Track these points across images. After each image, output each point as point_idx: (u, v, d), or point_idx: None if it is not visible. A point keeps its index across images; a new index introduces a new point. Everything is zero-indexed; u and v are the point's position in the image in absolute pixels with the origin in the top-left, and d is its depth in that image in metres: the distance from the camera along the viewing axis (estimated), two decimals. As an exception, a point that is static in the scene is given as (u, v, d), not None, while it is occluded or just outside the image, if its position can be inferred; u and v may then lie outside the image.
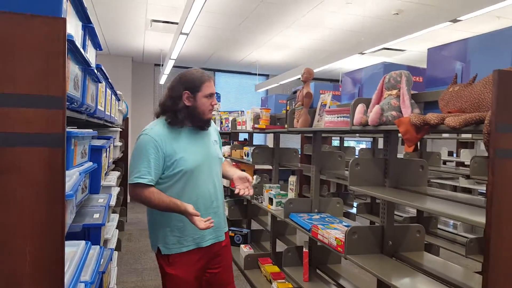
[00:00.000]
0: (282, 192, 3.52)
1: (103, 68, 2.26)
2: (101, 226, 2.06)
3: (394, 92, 1.96)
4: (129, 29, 6.62)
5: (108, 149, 2.78)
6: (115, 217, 3.78)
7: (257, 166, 4.62)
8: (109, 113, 2.92)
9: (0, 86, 0.94)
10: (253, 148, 3.99)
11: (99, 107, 2.26)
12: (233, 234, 4.77)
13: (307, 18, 5.69)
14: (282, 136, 4.15)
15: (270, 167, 4.09)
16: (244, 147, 4.37)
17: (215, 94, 2.18)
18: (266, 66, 9.24)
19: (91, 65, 1.60)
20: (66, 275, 1.19)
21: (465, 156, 5.22)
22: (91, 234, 2.06)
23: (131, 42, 7.53)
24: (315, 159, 3.16)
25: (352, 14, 5.49)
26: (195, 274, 2.11)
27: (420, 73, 2.22)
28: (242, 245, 4.58)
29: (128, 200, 7.46)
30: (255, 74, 9.81)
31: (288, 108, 3.29)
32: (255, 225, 4.96)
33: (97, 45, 1.96)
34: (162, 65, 7.85)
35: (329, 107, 2.71)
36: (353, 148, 6.52)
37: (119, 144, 4.76)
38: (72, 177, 1.38)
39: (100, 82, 2.15)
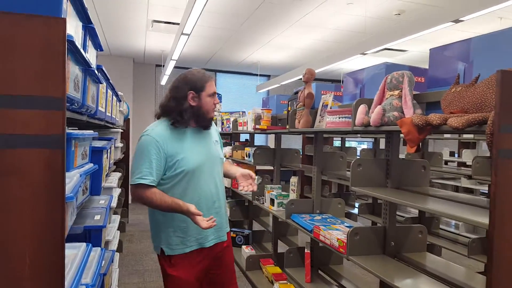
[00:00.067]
0: (283, 193, 3.51)
1: (104, 68, 2.25)
2: (102, 228, 2.06)
3: (396, 92, 1.95)
4: (130, 29, 6.62)
5: (109, 150, 2.77)
6: (116, 219, 3.78)
7: (258, 167, 4.61)
8: (110, 114, 2.91)
9: (-1, 87, 0.93)
10: (254, 148, 3.98)
11: (100, 108, 2.25)
12: (234, 235, 4.76)
13: (309, 18, 5.69)
14: (283, 136, 4.15)
15: (271, 167, 4.08)
16: (245, 148, 4.36)
17: (217, 94, 2.20)
18: (267, 66, 9.24)
19: (92, 66, 1.59)
20: (67, 277, 1.18)
21: (467, 156, 5.21)
22: (92, 236, 2.05)
23: (132, 43, 7.53)
24: (317, 160, 3.15)
25: (353, 15, 5.48)
26: (197, 275, 2.11)
27: (422, 73, 2.21)
28: (243, 246, 4.57)
29: (130, 201, 7.45)
30: (256, 75, 9.80)
31: (289, 109, 3.28)
32: (256, 226, 4.95)
33: (97, 46, 1.96)
34: (163, 65, 7.85)
35: (330, 108, 2.71)
36: (355, 148, 6.52)
37: (120, 145, 4.75)
38: (73, 178, 1.37)
39: (101, 83, 2.14)
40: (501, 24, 5.45)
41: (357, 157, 6.16)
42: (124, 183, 6.30)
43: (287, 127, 3.21)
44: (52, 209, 0.99)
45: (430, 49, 1.96)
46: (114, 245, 3.32)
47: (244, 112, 4.77)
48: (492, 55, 1.63)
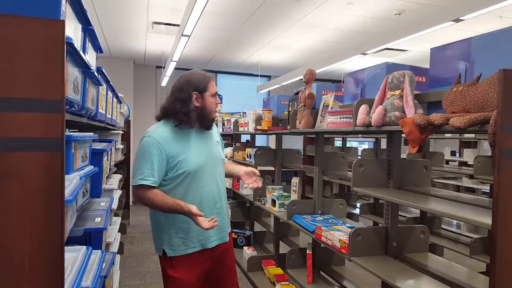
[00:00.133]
0: (285, 193, 3.50)
1: (104, 70, 2.24)
2: (102, 230, 2.05)
3: (397, 92, 1.94)
4: (131, 31, 6.62)
5: (109, 152, 2.77)
6: (117, 220, 3.77)
7: (259, 168, 4.59)
8: (110, 116, 2.91)
9: (-2, 90, 0.93)
10: (255, 149, 3.98)
11: (100, 110, 2.25)
12: (236, 236, 4.75)
13: (309, 19, 5.68)
14: (284, 137, 4.14)
15: (272, 168, 4.07)
16: (246, 149, 4.35)
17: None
18: (268, 67, 9.23)
19: (91, 68, 1.58)
20: (67, 281, 1.18)
21: (468, 155, 5.20)
22: (93, 238, 2.05)
23: (133, 45, 7.53)
24: (318, 160, 3.14)
25: (353, 15, 5.47)
26: (198, 276, 2.11)
27: (423, 73, 2.20)
28: (245, 247, 4.56)
29: (131, 203, 7.45)
30: (257, 76, 9.80)
31: (290, 109, 3.27)
32: (258, 227, 4.94)
33: (97, 48, 1.95)
34: (164, 67, 7.85)
35: (331, 108, 2.70)
36: (356, 148, 6.52)
37: (121, 147, 4.75)
38: (72, 181, 1.36)
39: (101, 85, 2.13)
40: (501, 23, 5.44)
41: (359, 157, 6.15)
42: (125, 184, 6.29)
43: (288, 127, 3.20)
44: (51, 212, 0.98)
45: (431, 49, 1.95)
46: (115, 247, 3.32)
47: (245, 113, 4.76)
48: (493, 54, 1.62)
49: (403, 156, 3.75)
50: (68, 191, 1.21)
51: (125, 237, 5.88)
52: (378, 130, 1.97)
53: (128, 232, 6.26)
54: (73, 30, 1.37)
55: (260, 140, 9.69)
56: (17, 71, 0.93)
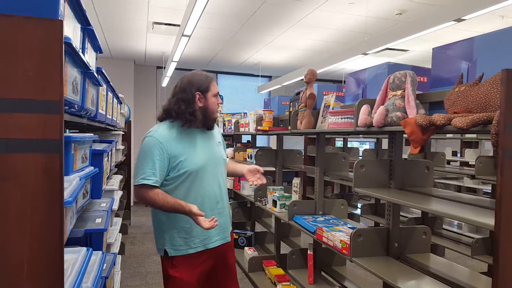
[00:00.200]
0: (286, 194, 3.49)
1: (103, 71, 2.24)
2: (103, 231, 2.05)
3: (399, 92, 1.93)
4: (131, 31, 6.61)
5: (110, 153, 2.76)
6: (118, 221, 3.77)
7: (260, 168, 4.59)
8: (110, 117, 2.90)
9: (-5, 91, 0.92)
10: (256, 150, 3.97)
11: (100, 110, 2.24)
12: (237, 237, 4.74)
13: (310, 19, 5.67)
14: (285, 137, 4.12)
15: (273, 169, 4.06)
16: (247, 149, 4.34)
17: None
18: (268, 67, 9.22)
19: (91, 68, 1.57)
20: (67, 282, 1.17)
21: (470, 156, 5.18)
22: (93, 239, 2.05)
23: (133, 45, 7.53)
24: (319, 161, 3.13)
25: (354, 15, 5.46)
26: (198, 276, 2.12)
27: (425, 73, 2.19)
28: (246, 248, 4.55)
29: (132, 204, 7.45)
30: (258, 76, 9.79)
31: (291, 110, 3.26)
32: (259, 227, 4.94)
33: (97, 48, 1.94)
34: (164, 67, 7.84)
35: (332, 108, 2.69)
36: (357, 149, 6.51)
37: (122, 147, 4.74)
38: (72, 182, 1.35)
39: (101, 86, 2.13)
40: (502, 23, 5.42)
41: (360, 157, 6.14)
42: (126, 185, 6.29)
43: (289, 128, 3.19)
44: (50, 213, 0.97)
45: (433, 49, 1.94)
46: (116, 248, 3.31)
47: (246, 113, 4.75)
48: (496, 54, 1.60)
49: (405, 156, 3.73)
50: (67, 192, 1.20)
51: (126, 238, 5.88)
52: (379, 131, 1.96)
53: (129, 233, 6.26)
54: (71, 30, 1.36)
55: (261, 141, 9.68)
56: (15, 71, 0.92)
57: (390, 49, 6.64)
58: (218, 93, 2.20)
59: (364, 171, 2.24)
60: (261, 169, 2.34)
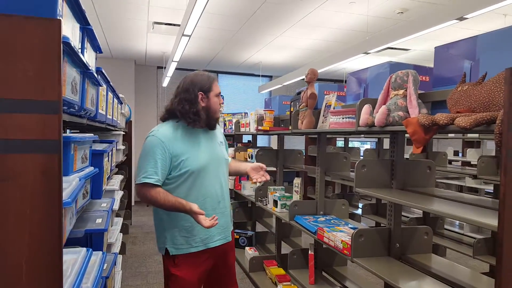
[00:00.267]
0: (286, 194, 3.48)
1: (103, 71, 2.23)
2: (103, 231, 2.04)
3: (401, 92, 1.92)
4: (131, 31, 6.60)
5: (110, 153, 2.75)
6: (119, 221, 3.76)
7: (261, 168, 4.58)
8: (111, 117, 2.89)
9: (-7, 91, 0.91)
10: (257, 150, 3.96)
11: (100, 111, 2.23)
12: (238, 237, 4.74)
13: (310, 18, 5.66)
14: (286, 137, 4.12)
15: (274, 169, 4.05)
16: (248, 149, 4.34)
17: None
18: (269, 67, 9.21)
19: (90, 68, 1.56)
20: (66, 282, 1.16)
21: (472, 155, 5.17)
22: (94, 240, 2.04)
23: (134, 45, 7.52)
24: (320, 161, 3.12)
25: (356, 14, 5.45)
26: (199, 275, 2.13)
27: (427, 72, 2.18)
28: (247, 248, 4.55)
29: (133, 203, 7.44)
30: (259, 76, 9.77)
31: (292, 110, 3.25)
32: (259, 227, 4.93)
33: (96, 48, 1.93)
34: (165, 67, 7.83)
35: (333, 108, 2.68)
36: (358, 148, 6.49)
37: (122, 147, 4.73)
38: (72, 183, 1.34)
39: (101, 86, 2.12)
40: (505, 21, 5.40)
41: (361, 157, 6.13)
42: (126, 185, 6.28)
43: (290, 128, 3.19)
44: (48, 214, 0.96)
45: (435, 47, 1.93)
46: (116, 248, 3.31)
47: (247, 113, 4.74)
48: (499, 52, 1.59)
49: (406, 156, 3.72)
50: (66, 193, 1.19)
51: (127, 237, 5.87)
52: (381, 130, 1.95)
53: (130, 233, 6.25)
54: (70, 29, 1.35)
55: (261, 141, 9.67)
56: (13, 71, 0.91)
57: (391, 48, 6.63)
58: (220, 93, 2.22)
59: (365, 171, 2.23)
60: (264, 166, 2.37)
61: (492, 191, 4.51)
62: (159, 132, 2.06)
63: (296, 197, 3.39)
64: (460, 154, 6.36)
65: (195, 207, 1.94)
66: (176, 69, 7.27)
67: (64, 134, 1.39)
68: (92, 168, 1.95)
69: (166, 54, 7.98)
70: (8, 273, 0.95)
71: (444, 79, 1.85)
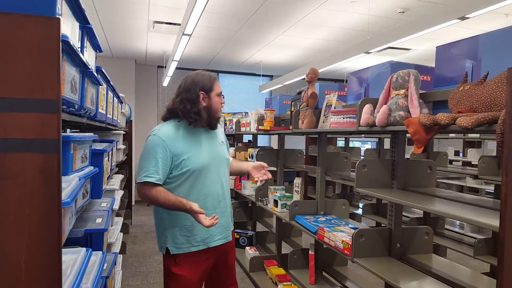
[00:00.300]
0: (287, 194, 3.48)
1: (103, 70, 2.22)
2: (103, 231, 2.03)
3: (402, 91, 1.91)
4: (132, 31, 6.60)
5: (110, 153, 2.74)
6: (119, 221, 3.75)
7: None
8: (111, 116, 2.88)
9: (-9, 90, 0.90)
10: (257, 149, 3.95)
11: (100, 110, 2.22)
12: (238, 236, 4.73)
13: (311, 17, 5.65)
14: (286, 137, 4.11)
15: (274, 168, 4.04)
16: (248, 149, 4.33)
17: None
18: (270, 66, 9.20)
19: (90, 67, 1.55)
20: (66, 283, 1.15)
21: (472, 155, 5.16)
22: (94, 239, 2.03)
23: (134, 44, 7.51)
24: (321, 161, 3.11)
25: (356, 13, 5.44)
26: (201, 275, 2.14)
27: (428, 72, 2.18)
28: (247, 247, 4.55)
29: (133, 203, 7.43)
30: (259, 75, 9.77)
31: (292, 109, 3.25)
32: (260, 227, 4.92)
33: (96, 47, 1.93)
34: (165, 67, 7.83)
35: (334, 108, 2.67)
36: (359, 148, 6.48)
37: (123, 147, 4.72)
38: (71, 183, 1.34)
39: (101, 85, 2.11)
40: (507, 21, 5.39)
41: (361, 157, 6.12)
42: (127, 184, 6.27)
43: (291, 127, 3.18)
44: (47, 214, 0.96)
45: (436, 47, 1.92)
46: (117, 247, 3.30)
47: (247, 112, 4.74)
48: (501, 52, 1.58)
49: (407, 156, 3.71)
50: (66, 193, 1.18)
51: (128, 237, 5.86)
52: (382, 130, 1.94)
53: (131, 232, 6.25)
54: (70, 28, 1.34)
55: (262, 140, 9.66)
56: (11, 70, 0.90)
57: (393, 48, 6.62)
58: (221, 92, 2.22)
59: (366, 171, 2.22)
60: (266, 165, 2.38)
61: (493, 191, 4.50)
62: (161, 132, 2.07)
63: (296, 197, 3.39)
64: (461, 154, 6.35)
65: (195, 206, 1.94)
66: (177, 68, 7.26)
67: (63, 134, 1.39)
68: (92, 167, 1.95)
69: (167, 54, 7.97)
70: (7, 272, 0.94)
71: (446, 78, 1.84)
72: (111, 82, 2.73)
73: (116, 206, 3.19)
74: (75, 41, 1.45)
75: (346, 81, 2.87)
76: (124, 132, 5.14)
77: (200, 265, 2.12)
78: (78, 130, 2.95)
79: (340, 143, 7.01)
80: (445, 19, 3.73)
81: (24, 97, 0.91)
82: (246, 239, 4.77)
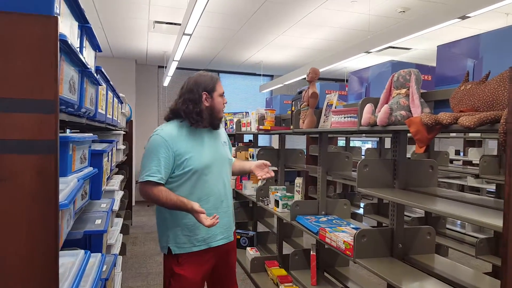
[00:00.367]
0: (288, 194, 3.46)
1: (103, 70, 2.21)
2: (103, 232, 2.02)
3: (403, 91, 1.90)
4: (132, 31, 6.59)
5: (110, 153, 2.73)
6: (119, 221, 3.74)
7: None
8: (111, 116, 2.87)
9: (-12, 90, 0.89)
10: (258, 149, 3.94)
11: (99, 110, 2.21)
12: (239, 237, 4.72)
13: (312, 17, 5.64)
14: (287, 136, 4.10)
15: (275, 168, 4.03)
16: (249, 149, 4.32)
17: None
18: (270, 66, 9.19)
19: (89, 67, 1.54)
20: (64, 286, 1.14)
21: (473, 155, 5.15)
22: (93, 241, 2.02)
23: (135, 44, 7.51)
24: (322, 160, 3.10)
25: (357, 13, 5.43)
26: (203, 274, 2.15)
27: (429, 71, 2.16)
28: (248, 248, 4.53)
29: (133, 204, 7.42)
30: (260, 75, 9.75)
31: (293, 109, 3.24)
32: (261, 227, 4.91)
33: (96, 47, 1.91)
34: (166, 67, 7.82)
35: (335, 107, 2.66)
36: (359, 148, 6.47)
37: (123, 147, 4.71)
38: (70, 184, 1.33)
39: (100, 85, 2.10)
40: (507, 20, 5.38)
41: (362, 156, 6.11)
42: (127, 185, 6.26)
43: (291, 127, 3.17)
44: (45, 216, 0.95)
45: (437, 46, 1.90)
46: (116, 249, 3.29)
47: (248, 112, 4.73)
48: (503, 51, 1.57)
49: (408, 155, 3.69)
50: (64, 194, 1.17)
51: (128, 238, 5.85)
52: (383, 130, 1.93)
53: (131, 233, 6.23)
54: (68, 27, 1.33)
55: (262, 140, 9.65)
56: (8, 70, 0.89)
57: (393, 47, 6.60)
58: (224, 93, 2.24)
59: (367, 171, 2.21)
60: (268, 163, 2.39)
61: (494, 191, 4.49)
62: (163, 131, 2.08)
63: (297, 197, 3.37)
64: (462, 154, 6.33)
65: (196, 205, 1.95)
66: (177, 68, 7.26)
67: (62, 134, 1.38)
68: (91, 168, 1.93)
69: (167, 53, 7.97)
70: (4, 273, 0.94)
71: (447, 78, 1.83)
72: (111, 82, 2.72)
73: (116, 207, 3.18)
74: (73, 41, 1.44)
75: (347, 80, 2.86)
76: (124, 132, 5.13)
77: (202, 265, 2.12)
78: (78, 131, 2.94)
79: (341, 142, 7.00)
80: (445, 18, 3.72)
81: (21, 97, 0.90)
82: (247, 239, 4.76)
